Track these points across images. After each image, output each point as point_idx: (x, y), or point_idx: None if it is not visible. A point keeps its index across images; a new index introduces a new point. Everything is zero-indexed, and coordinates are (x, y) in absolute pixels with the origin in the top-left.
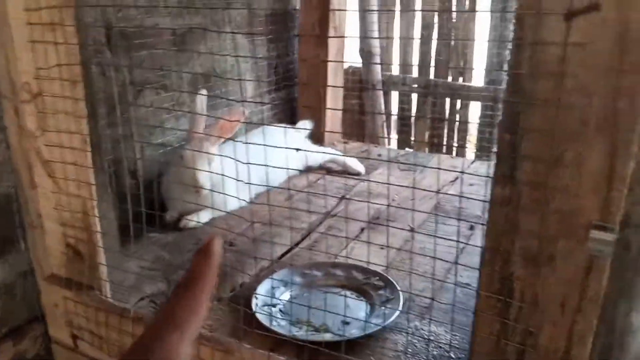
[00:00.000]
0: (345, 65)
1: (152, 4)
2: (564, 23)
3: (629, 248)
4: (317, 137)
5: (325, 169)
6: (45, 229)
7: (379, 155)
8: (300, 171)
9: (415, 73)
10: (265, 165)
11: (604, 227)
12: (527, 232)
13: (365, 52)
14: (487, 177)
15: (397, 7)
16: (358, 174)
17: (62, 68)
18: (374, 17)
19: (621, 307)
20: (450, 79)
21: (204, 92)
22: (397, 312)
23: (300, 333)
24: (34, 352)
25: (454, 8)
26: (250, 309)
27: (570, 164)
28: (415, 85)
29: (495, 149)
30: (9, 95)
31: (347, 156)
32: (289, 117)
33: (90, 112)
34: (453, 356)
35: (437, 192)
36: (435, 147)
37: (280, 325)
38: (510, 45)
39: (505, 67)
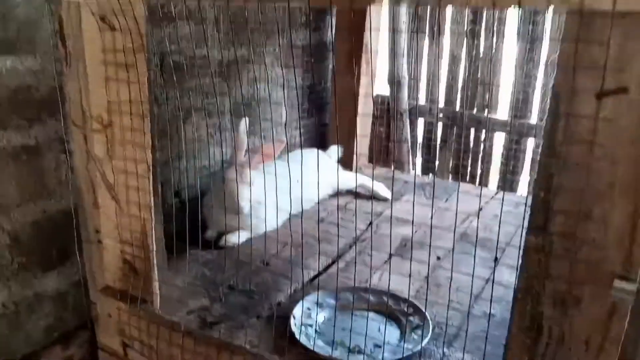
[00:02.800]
0: (374, 94)
1: (202, 37)
2: (595, 100)
3: None
4: (346, 162)
5: (353, 194)
6: (104, 245)
7: (405, 182)
8: (329, 196)
9: (441, 103)
10: (316, 177)
11: (626, 277)
12: (557, 277)
13: (394, 81)
14: (522, 225)
15: (426, 44)
16: (385, 199)
17: (133, 104)
18: (404, 48)
19: None
20: (475, 111)
21: (246, 120)
22: (427, 339)
23: (336, 353)
24: (79, 358)
25: (481, 45)
26: (288, 328)
27: (597, 220)
28: (441, 115)
29: (522, 187)
30: (79, 124)
31: (376, 181)
32: (321, 142)
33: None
34: None
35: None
36: (458, 175)
37: (319, 346)
38: (538, 85)
39: (531, 105)
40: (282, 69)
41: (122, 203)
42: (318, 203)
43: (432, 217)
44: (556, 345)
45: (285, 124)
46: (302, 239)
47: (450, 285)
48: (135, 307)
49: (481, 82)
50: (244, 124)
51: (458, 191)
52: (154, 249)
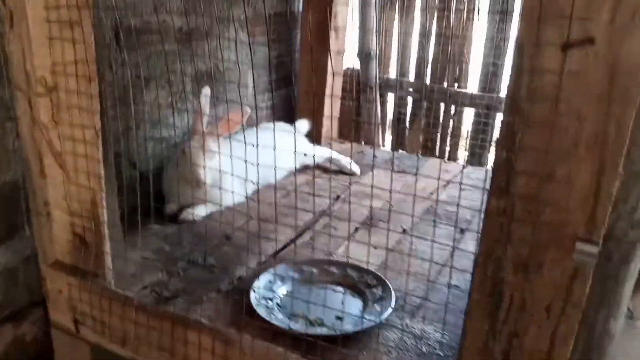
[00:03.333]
0: (344, 67)
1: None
2: (561, 53)
3: (611, 259)
4: (314, 136)
5: (321, 168)
6: (53, 217)
7: (375, 157)
8: (297, 169)
9: (411, 77)
10: (277, 153)
11: (589, 239)
12: (518, 241)
13: (364, 55)
14: (483, 188)
15: (397, 13)
16: (353, 174)
17: (79, 65)
18: (374, 21)
19: (601, 313)
20: (445, 84)
21: (207, 89)
22: (390, 310)
23: (297, 326)
24: (32, 336)
25: (452, 16)
26: (249, 301)
27: (561, 180)
28: (411, 89)
29: (490, 162)
30: (24, 88)
31: (343, 156)
32: (288, 116)
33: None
34: (441, 354)
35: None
36: (428, 150)
37: (278, 319)
38: (508, 58)
39: (501, 77)
40: (248, 38)
41: (70, 172)
42: (274, 180)
43: (390, 194)
44: (517, 311)
45: (247, 96)
46: (258, 212)
47: (409, 257)
48: (86, 282)
49: (451, 56)
50: (205, 92)
51: (417, 164)
52: (105, 220)
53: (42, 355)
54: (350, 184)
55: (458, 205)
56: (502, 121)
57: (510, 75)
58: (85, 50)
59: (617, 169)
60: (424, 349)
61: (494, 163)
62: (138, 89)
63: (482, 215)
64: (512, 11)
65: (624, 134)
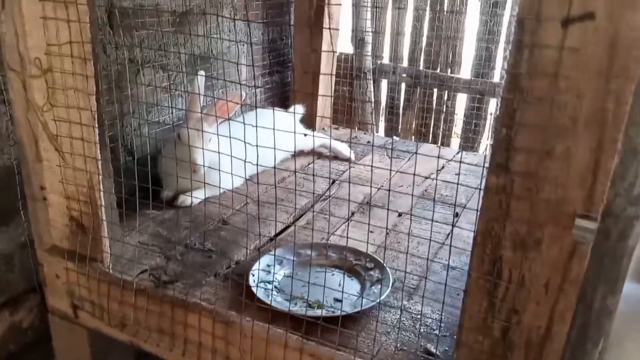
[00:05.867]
0: (338, 52)
1: None
2: (561, 28)
3: (609, 236)
4: (308, 122)
5: (315, 154)
6: (49, 201)
7: (368, 142)
8: (292, 155)
9: (405, 63)
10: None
11: (587, 216)
12: (517, 218)
13: (358, 40)
14: (480, 166)
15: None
16: (348, 159)
17: (73, 45)
18: (367, 5)
19: (599, 290)
20: (439, 70)
21: (202, 72)
22: (388, 291)
23: (295, 308)
24: (29, 322)
25: (445, 4)
26: (248, 284)
27: (559, 157)
28: (405, 75)
29: (488, 142)
30: (17, 69)
31: (339, 142)
32: (282, 101)
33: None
34: (439, 333)
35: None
36: (421, 136)
37: (277, 301)
38: (501, 43)
39: (494, 62)
40: (239, 22)
41: (67, 155)
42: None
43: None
44: (516, 288)
45: (241, 81)
46: (258, 195)
47: (409, 237)
48: (84, 266)
49: (445, 40)
50: (198, 78)
51: (417, 149)
52: (103, 204)
53: (39, 342)
54: (348, 167)
55: (458, 184)
56: (502, 98)
57: (511, 51)
58: (80, 30)
59: (616, 145)
60: (421, 330)
61: (494, 140)
62: (132, 72)
63: (481, 194)
64: None
65: (622, 110)
